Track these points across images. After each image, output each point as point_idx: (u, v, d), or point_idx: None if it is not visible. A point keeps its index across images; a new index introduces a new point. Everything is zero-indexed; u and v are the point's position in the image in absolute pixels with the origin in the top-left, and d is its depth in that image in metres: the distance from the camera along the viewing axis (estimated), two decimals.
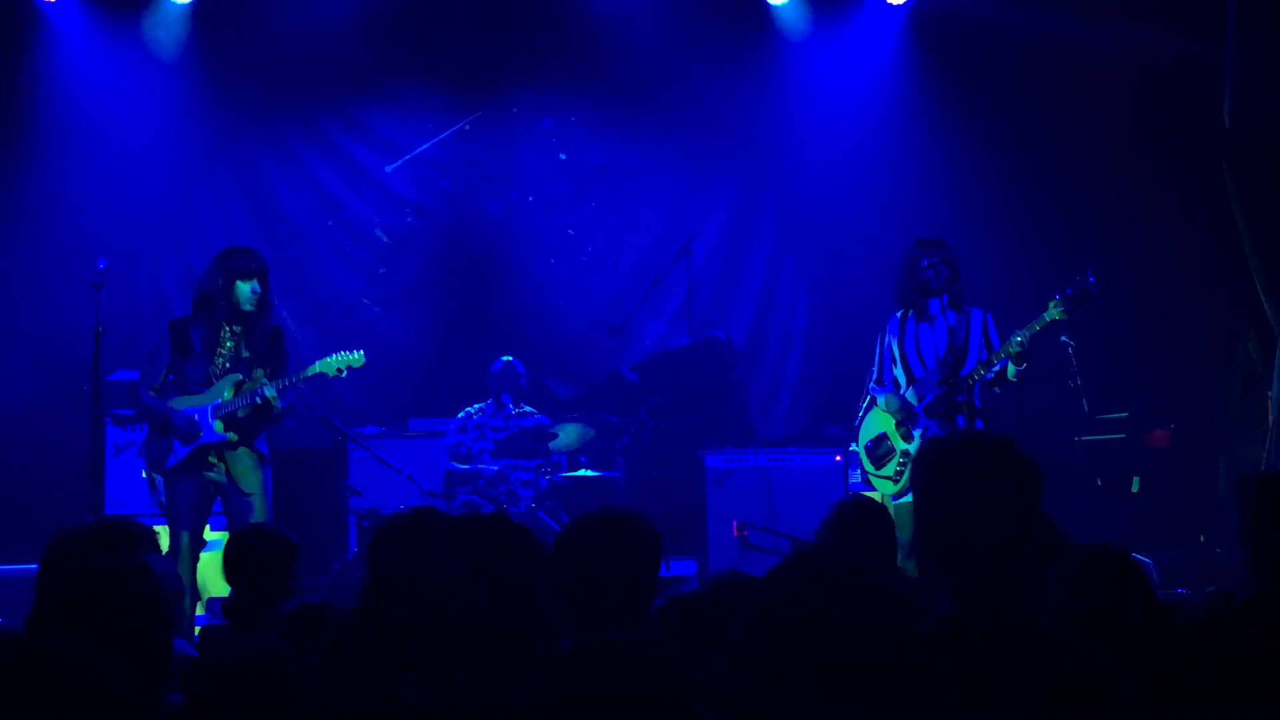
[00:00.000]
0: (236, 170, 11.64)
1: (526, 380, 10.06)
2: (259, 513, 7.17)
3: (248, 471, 7.24)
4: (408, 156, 11.80)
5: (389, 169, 11.80)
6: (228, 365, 7.23)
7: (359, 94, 11.80)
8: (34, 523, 7.76)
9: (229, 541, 5.24)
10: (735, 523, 9.09)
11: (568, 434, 9.61)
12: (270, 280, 7.31)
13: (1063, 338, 8.68)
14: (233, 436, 7.16)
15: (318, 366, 7.34)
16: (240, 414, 7.18)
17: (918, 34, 11.17)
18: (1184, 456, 10.11)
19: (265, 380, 7.17)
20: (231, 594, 4.97)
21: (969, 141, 10.98)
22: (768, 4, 11.21)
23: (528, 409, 9.99)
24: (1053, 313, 7.19)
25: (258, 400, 7.13)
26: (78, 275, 8.67)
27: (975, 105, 11.00)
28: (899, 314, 7.79)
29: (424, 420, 10.62)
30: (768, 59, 11.44)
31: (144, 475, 7.39)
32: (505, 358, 10.03)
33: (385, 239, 11.83)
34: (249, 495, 7.21)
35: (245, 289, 7.17)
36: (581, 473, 9.63)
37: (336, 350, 7.43)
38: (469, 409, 9.98)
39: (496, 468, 9.54)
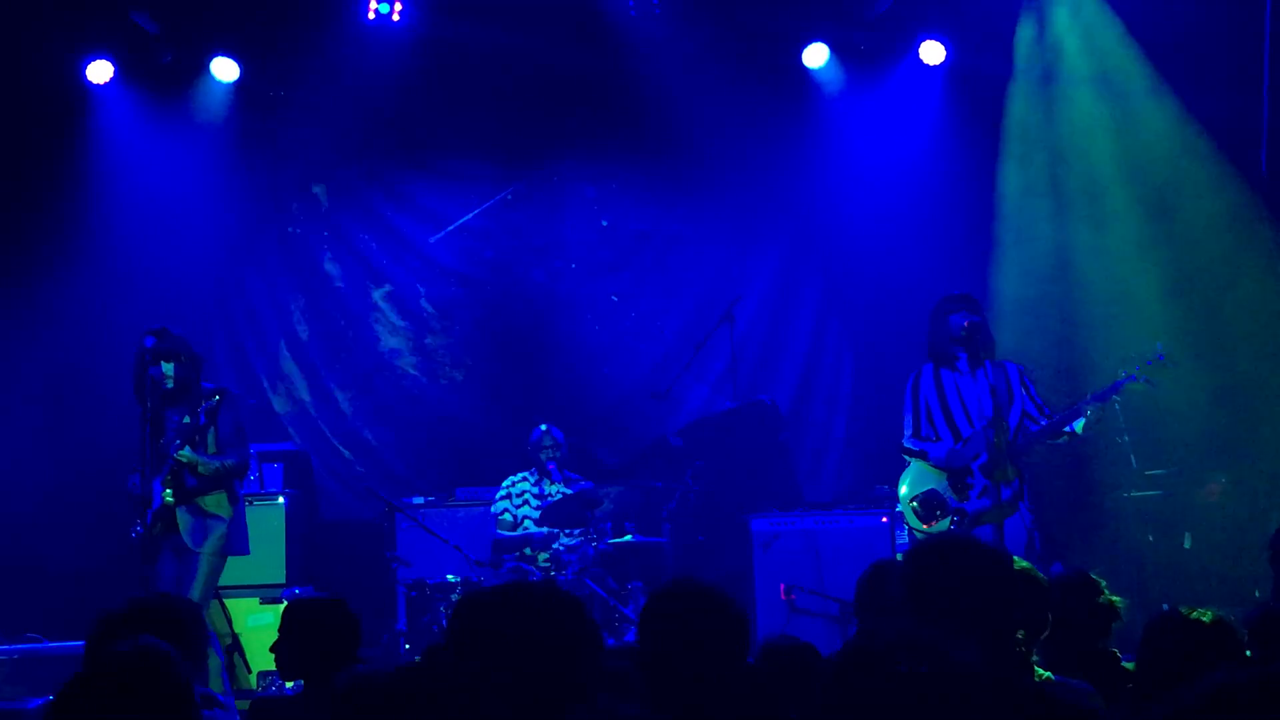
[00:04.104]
0: (282, 243, 11.80)
1: (568, 447, 10.04)
2: (202, 572, 7.60)
3: (194, 532, 7.62)
4: (451, 227, 11.89)
5: (433, 239, 11.89)
6: (175, 438, 7.63)
7: (403, 165, 11.95)
8: (86, 599, 7.82)
9: (285, 611, 5.16)
10: (783, 586, 9.06)
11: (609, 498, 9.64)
12: (194, 349, 7.80)
13: None
14: (169, 499, 7.56)
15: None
16: (186, 479, 7.64)
17: (956, 94, 11.18)
18: (1237, 511, 9.96)
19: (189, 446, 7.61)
20: (289, 658, 4.97)
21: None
22: (806, 68, 11.26)
23: (572, 475, 9.98)
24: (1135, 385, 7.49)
25: (185, 465, 7.59)
26: (128, 351, 8.76)
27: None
28: (929, 367, 7.83)
29: (471, 489, 10.62)
30: (807, 123, 11.45)
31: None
32: (542, 425, 10.01)
33: (430, 309, 11.92)
34: (195, 553, 7.62)
35: (166, 369, 7.64)
36: (627, 539, 9.61)
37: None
38: (513, 476, 9.99)
39: (543, 531, 9.54)
